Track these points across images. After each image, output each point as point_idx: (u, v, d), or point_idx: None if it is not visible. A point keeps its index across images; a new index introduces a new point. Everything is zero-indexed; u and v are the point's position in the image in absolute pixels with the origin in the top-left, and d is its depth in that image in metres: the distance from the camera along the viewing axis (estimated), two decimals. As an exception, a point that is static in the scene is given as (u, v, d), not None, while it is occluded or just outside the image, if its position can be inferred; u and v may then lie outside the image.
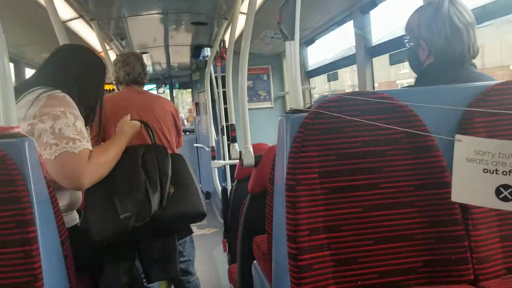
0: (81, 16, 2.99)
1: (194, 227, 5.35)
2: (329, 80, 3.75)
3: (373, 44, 2.72)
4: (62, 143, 1.32)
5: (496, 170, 0.92)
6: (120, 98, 2.42)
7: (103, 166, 1.43)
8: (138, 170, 1.55)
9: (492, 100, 1.21)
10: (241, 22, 2.88)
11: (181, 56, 5.54)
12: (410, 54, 1.53)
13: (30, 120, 1.34)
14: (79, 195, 1.58)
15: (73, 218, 1.58)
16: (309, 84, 4.17)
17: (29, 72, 3.73)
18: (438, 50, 1.41)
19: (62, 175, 1.33)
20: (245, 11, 2.15)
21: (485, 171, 0.93)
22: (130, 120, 1.73)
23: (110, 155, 1.48)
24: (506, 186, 0.92)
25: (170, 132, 2.48)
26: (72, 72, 1.56)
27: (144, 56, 5.18)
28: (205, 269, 3.76)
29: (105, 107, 1.79)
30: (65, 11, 2.83)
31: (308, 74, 4.14)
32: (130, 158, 1.57)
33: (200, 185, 6.61)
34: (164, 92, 7.66)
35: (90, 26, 3.12)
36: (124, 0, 2.84)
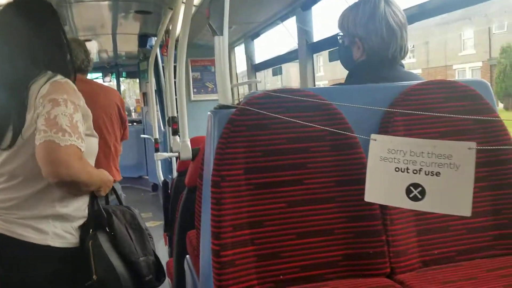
0: None
1: (138, 220, 5.29)
2: (274, 75, 3.78)
3: (315, 40, 2.76)
4: (51, 131, 1.27)
5: (407, 168, 0.95)
6: None
7: (87, 174, 1.35)
8: (144, 232, 1.60)
9: (411, 100, 1.26)
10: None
11: (129, 45, 5.41)
12: (342, 51, 1.55)
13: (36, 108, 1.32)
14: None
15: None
16: (256, 78, 4.18)
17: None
18: (373, 50, 1.43)
19: (44, 161, 1.27)
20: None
21: (397, 169, 0.96)
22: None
23: (94, 172, 1.42)
24: (416, 185, 0.94)
25: (114, 124, 2.40)
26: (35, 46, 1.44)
27: (89, 44, 5.02)
28: (147, 263, 3.70)
29: None
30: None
31: (255, 68, 4.15)
32: (130, 221, 1.59)
33: (147, 177, 6.46)
34: (110, 81, 7.44)
35: None
36: None
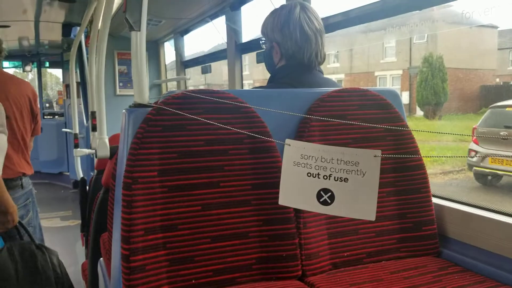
0: None
1: (57, 218, 5.02)
2: (203, 73, 3.74)
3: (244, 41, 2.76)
4: None
5: (318, 174, 0.97)
6: None
7: None
8: (40, 275, 1.52)
9: (327, 106, 1.29)
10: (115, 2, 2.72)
11: (52, 33, 5.10)
12: (265, 55, 1.58)
13: None
14: None
15: None
16: (185, 75, 4.12)
17: None
18: (289, 54, 1.46)
19: None
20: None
21: (309, 175, 0.98)
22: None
23: None
24: (326, 190, 0.96)
25: (24, 118, 2.25)
26: None
27: (7, 30, 4.66)
28: (64, 264, 3.52)
29: None
30: None
31: (184, 64, 4.08)
32: (26, 260, 1.49)
33: (68, 173, 6.14)
34: (31, 70, 6.98)
35: None
36: None
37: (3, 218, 1.41)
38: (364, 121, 1.27)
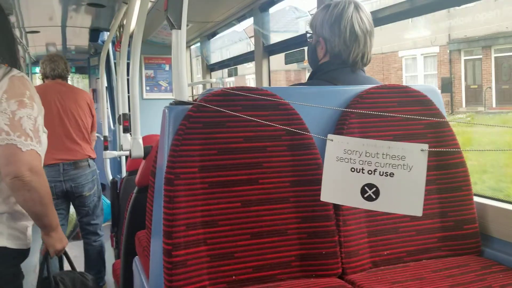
0: None
1: (84, 221, 5.08)
2: (230, 75, 3.76)
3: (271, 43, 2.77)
4: (14, 134, 1.29)
5: (362, 169, 0.96)
6: (46, 87, 3.02)
7: (36, 181, 1.33)
8: None
9: (366, 102, 1.28)
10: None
11: (79, 39, 5.19)
12: (309, 49, 1.55)
13: None
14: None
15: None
16: (210, 78, 4.15)
17: None
18: (335, 52, 1.44)
19: (3, 161, 1.30)
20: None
21: (353, 170, 0.97)
22: None
23: (44, 191, 1.37)
24: (370, 185, 0.95)
25: (86, 116, 3.05)
26: None
27: (35, 35, 4.78)
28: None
29: None
30: None
31: (210, 68, 4.11)
32: None
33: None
34: (58, 75, 7.12)
35: None
36: None
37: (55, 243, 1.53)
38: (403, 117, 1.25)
